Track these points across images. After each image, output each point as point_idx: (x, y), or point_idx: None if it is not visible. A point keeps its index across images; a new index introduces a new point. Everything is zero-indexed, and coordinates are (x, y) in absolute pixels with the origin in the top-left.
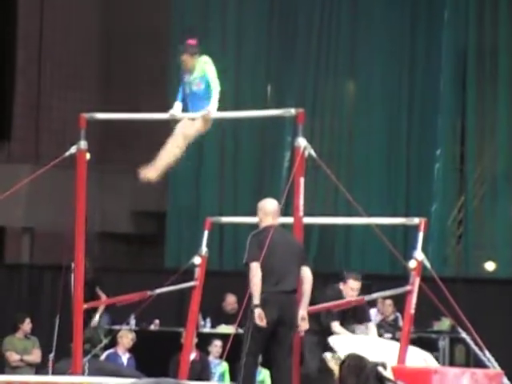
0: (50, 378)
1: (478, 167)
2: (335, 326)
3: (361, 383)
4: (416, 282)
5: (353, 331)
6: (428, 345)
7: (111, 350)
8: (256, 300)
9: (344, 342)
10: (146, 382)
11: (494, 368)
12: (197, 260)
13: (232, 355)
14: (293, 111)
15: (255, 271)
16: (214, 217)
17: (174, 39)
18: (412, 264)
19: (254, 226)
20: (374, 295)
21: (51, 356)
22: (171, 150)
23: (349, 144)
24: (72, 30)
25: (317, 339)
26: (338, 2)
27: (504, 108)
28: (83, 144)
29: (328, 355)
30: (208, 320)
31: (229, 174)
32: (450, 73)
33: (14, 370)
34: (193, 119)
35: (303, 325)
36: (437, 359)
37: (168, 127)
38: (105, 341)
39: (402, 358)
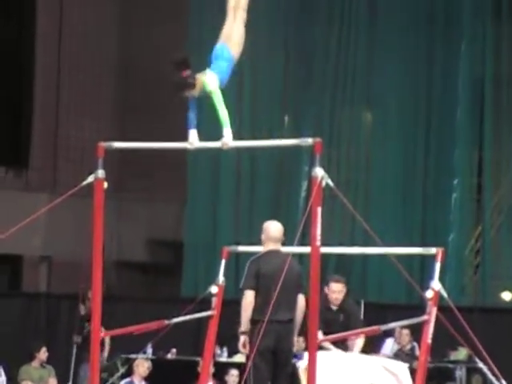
0: None
1: (494, 197)
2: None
3: None
4: (433, 311)
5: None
6: (445, 374)
7: (128, 379)
8: (243, 327)
9: (322, 358)
10: None
11: None
12: (214, 289)
13: None
14: (310, 141)
15: (248, 299)
16: (231, 246)
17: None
18: (429, 294)
19: None
20: (391, 325)
21: None
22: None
23: (366, 173)
24: (89, 58)
25: None
26: (355, 32)
27: None
28: (101, 173)
29: (301, 365)
30: (225, 349)
31: (245, 204)
32: (466, 103)
33: None
34: None
35: (296, 348)
36: None
37: (184, 158)
38: (121, 370)
39: None
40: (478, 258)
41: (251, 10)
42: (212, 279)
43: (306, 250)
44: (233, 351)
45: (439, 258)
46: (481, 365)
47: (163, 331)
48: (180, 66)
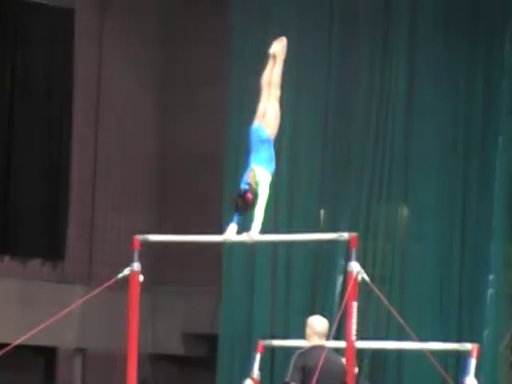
0: None
1: None
2: None
3: None
4: None
5: None
6: None
7: None
8: None
9: None
10: None
11: None
12: (249, 383)
13: None
14: (346, 235)
15: None
16: (266, 340)
17: (229, 165)
18: None
19: None
20: None
21: None
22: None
23: (401, 268)
24: (126, 150)
25: None
26: (392, 125)
27: None
28: (136, 266)
29: None
30: None
31: (281, 297)
32: (503, 199)
33: None
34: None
35: None
36: None
37: (219, 251)
38: None
39: None
40: None
41: (291, 103)
42: (247, 373)
43: (342, 344)
44: None
45: (474, 354)
46: None
47: None
48: (244, 194)
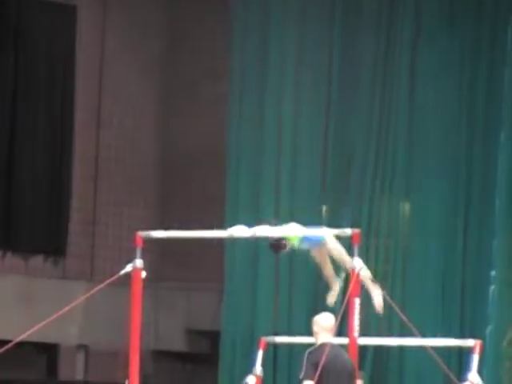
0: None
1: None
2: None
3: None
4: None
5: None
6: None
7: None
8: None
9: None
10: None
11: None
12: (251, 380)
13: None
14: (349, 232)
15: None
16: (269, 336)
17: (232, 162)
18: None
19: (308, 346)
20: None
21: None
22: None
23: (403, 264)
24: (128, 146)
25: None
26: (395, 121)
27: None
28: (139, 262)
29: None
30: None
31: (283, 294)
32: (505, 195)
33: None
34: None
35: None
36: None
37: (222, 247)
38: None
39: None
40: None
41: (293, 99)
42: (249, 369)
43: (344, 340)
44: None
45: (477, 350)
46: None
47: None
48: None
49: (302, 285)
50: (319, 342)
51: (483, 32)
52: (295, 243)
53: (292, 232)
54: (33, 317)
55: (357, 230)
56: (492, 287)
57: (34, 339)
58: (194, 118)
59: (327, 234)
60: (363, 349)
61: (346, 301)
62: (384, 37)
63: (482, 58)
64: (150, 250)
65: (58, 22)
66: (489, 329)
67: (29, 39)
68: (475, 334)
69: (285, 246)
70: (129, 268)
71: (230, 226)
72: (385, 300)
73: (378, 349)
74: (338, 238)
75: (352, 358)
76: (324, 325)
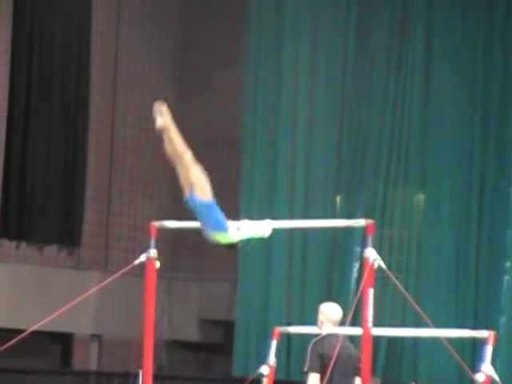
0: None
1: None
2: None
3: None
4: None
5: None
6: None
7: None
8: None
9: None
10: None
11: None
12: (265, 370)
13: None
14: (362, 222)
15: (314, 382)
16: (282, 326)
17: (247, 151)
18: (480, 377)
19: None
20: None
21: None
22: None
23: (417, 255)
24: (142, 137)
25: None
26: (409, 112)
27: None
28: (153, 252)
29: None
30: None
31: (297, 284)
32: None
33: None
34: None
35: None
36: None
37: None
38: None
39: None
40: None
41: (308, 88)
42: (263, 359)
43: (358, 331)
44: None
45: (491, 341)
46: None
47: None
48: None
49: (314, 275)
50: (324, 332)
51: (495, 23)
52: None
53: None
54: (47, 306)
55: (371, 221)
56: (506, 278)
57: (49, 329)
58: (209, 106)
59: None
60: (377, 340)
61: (360, 291)
62: (398, 27)
63: (495, 49)
64: (164, 240)
65: (73, 11)
66: (503, 319)
67: (44, 28)
68: (489, 325)
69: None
70: (143, 258)
71: (246, 213)
72: (399, 291)
73: (392, 340)
74: (353, 228)
75: (365, 349)
76: (331, 316)
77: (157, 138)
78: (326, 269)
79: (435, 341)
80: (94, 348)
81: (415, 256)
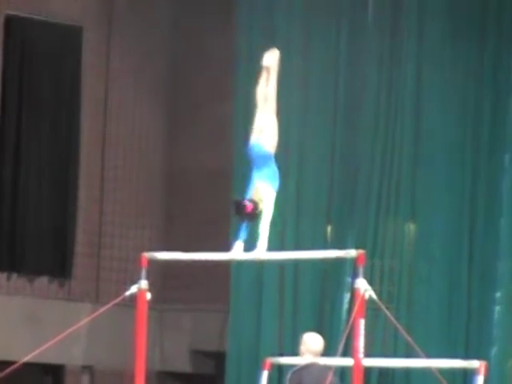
0: None
1: None
2: None
3: None
4: None
5: None
6: None
7: None
8: None
9: None
10: None
11: None
12: None
13: None
14: (353, 253)
15: None
16: (274, 357)
17: (238, 182)
18: None
19: None
20: None
21: None
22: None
23: (408, 285)
24: (134, 169)
25: None
26: (400, 144)
27: None
28: (144, 284)
29: None
30: None
31: (288, 315)
32: (510, 216)
33: None
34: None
35: None
36: None
37: (227, 268)
38: None
39: None
40: None
41: (299, 120)
42: None
43: (349, 362)
44: None
45: (482, 371)
46: None
47: None
48: (242, 204)
49: (306, 306)
50: (304, 362)
51: (487, 58)
52: (260, 197)
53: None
54: (38, 338)
55: (361, 251)
56: (497, 308)
57: (40, 360)
58: (200, 138)
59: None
60: (368, 370)
61: (351, 322)
62: (388, 49)
63: (486, 82)
64: (155, 271)
65: (64, 43)
66: (494, 350)
67: (34, 60)
68: (480, 356)
69: (249, 208)
70: (134, 289)
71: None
72: (390, 322)
73: (384, 370)
74: (343, 258)
75: (356, 380)
76: (312, 348)
77: (148, 169)
78: (317, 299)
79: (427, 371)
80: (85, 379)
81: (406, 286)
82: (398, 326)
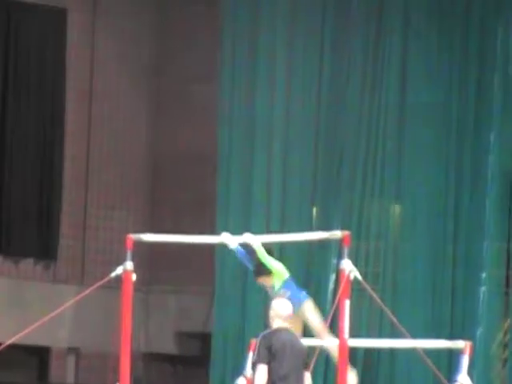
0: None
1: None
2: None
3: None
4: None
5: None
6: None
7: None
8: None
9: None
10: None
11: None
12: (241, 381)
13: None
14: (339, 234)
15: (261, 373)
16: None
17: (222, 164)
18: None
19: None
20: None
21: None
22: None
23: (394, 266)
24: (119, 149)
25: None
26: (385, 123)
27: None
28: (129, 265)
29: None
30: None
31: None
32: (495, 197)
33: None
34: None
35: None
36: None
37: (212, 250)
38: None
39: None
40: (506, 352)
41: (283, 102)
42: (240, 371)
43: (334, 342)
44: None
45: (467, 351)
46: None
47: None
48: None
49: None
50: (274, 326)
51: (473, 33)
52: (275, 283)
53: (279, 268)
54: (24, 320)
55: (347, 232)
56: (482, 289)
57: (25, 342)
58: (185, 121)
59: (307, 301)
60: (353, 351)
61: (336, 302)
62: (373, 37)
63: (471, 61)
64: (140, 252)
65: (48, 24)
66: (479, 331)
67: (19, 42)
68: (465, 336)
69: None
70: (119, 270)
71: (222, 228)
72: (375, 302)
73: (369, 351)
74: (328, 240)
75: (341, 360)
76: (280, 312)
77: (133, 151)
78: (302, 280)
79: (412, 352)
80: (70, 361)
81: (391, 267)
82: (383, 306)
